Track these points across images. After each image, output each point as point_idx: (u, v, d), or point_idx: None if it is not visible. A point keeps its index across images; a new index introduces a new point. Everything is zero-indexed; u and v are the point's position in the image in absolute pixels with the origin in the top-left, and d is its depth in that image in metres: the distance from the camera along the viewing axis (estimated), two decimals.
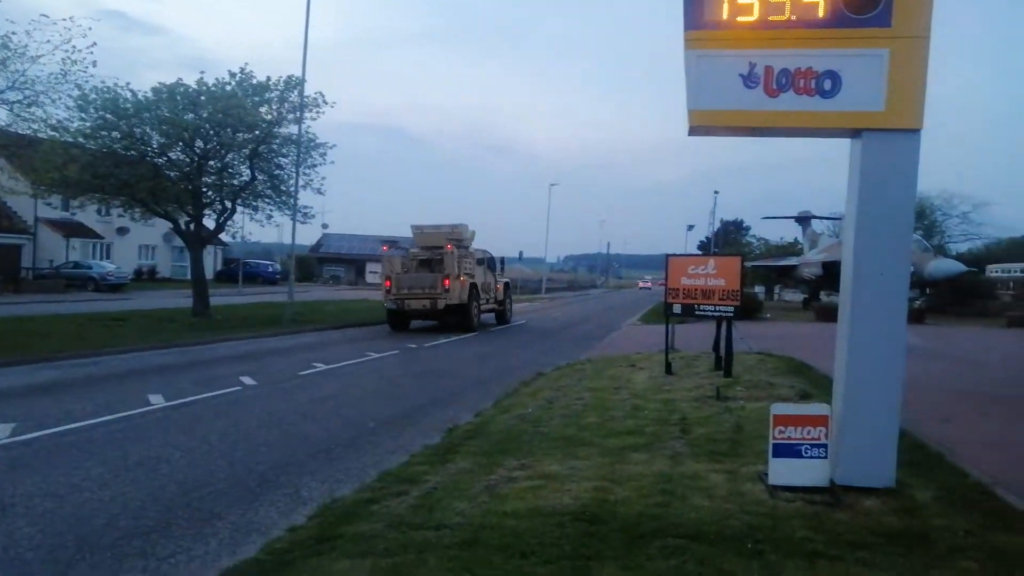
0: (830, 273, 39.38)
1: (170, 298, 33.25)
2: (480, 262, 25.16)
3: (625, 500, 5.58)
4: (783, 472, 5.89)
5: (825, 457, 5.88)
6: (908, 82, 5.66)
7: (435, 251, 23.48)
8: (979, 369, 15.38)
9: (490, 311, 26.32)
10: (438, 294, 22.39)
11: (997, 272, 51.38)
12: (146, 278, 50.47)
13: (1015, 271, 51.60)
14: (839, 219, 62.67)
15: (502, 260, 29.05)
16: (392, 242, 24.79)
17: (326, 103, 23.95)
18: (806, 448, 5.89)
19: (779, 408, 6.03)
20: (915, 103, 5.70)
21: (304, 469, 7.25)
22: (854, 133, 5.98)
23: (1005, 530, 4.98)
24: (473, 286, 23.71)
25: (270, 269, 61.29)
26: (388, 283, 23.02)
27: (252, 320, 24.12)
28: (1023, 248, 59.70)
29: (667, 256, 13.61)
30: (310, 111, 23.82)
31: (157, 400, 10.39)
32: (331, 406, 10.50)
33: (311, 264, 72.66)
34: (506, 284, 28.49)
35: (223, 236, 27.95)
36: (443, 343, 20.04)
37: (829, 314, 32.06)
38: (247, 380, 12.37)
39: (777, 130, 6.15)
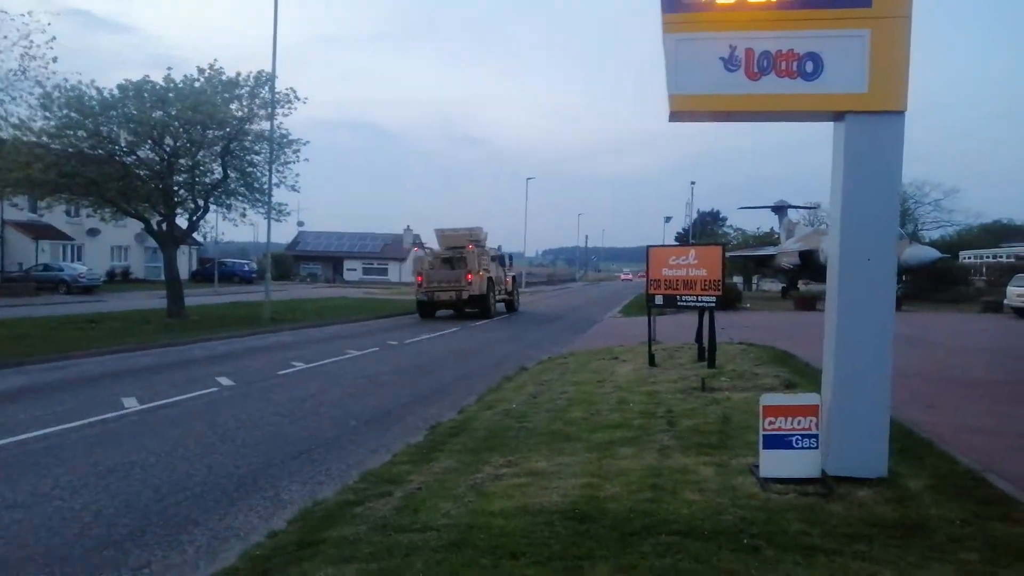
0: (807, 262, 39.70)
1: (144, 299, 32.70)
2: (494, 259, 29.16)
3: (615, 496, 5.45)
4: (774, 464, 5.80)
5: (816, 447, 5.79)
6: (891, 63, 5.57)
7: (457, 250, 27.58)
8: (958, 355, 15.48)
9: (501, 301, 30.10)
10: (462, 287, 26.36)
11: (969, 258, 52.05)
12: (119, 279, 49.61)
13: (987, 257, 52.31)
14: (815, 208, 63.25)
15: (510, 256, 33.48)
16: (421, 244, 29.61)
17: (298, 99, 23.59)
18: (797, 439, 5.81)
19: (769, 399, 5.94)
20: (899, 85, 5.61)
21: (284, 471, 7.06)
22: (837, 116, 5.89)
23: (1002, 519, 4.91)
24: (490, 279, 27.59)
25: (246, 268, 60.57)
26: (420, 279, 27.17)
27: (228, 320, 23.75)
28: (993, 234, 60.68)
29: (648, 247, 13.52)
30: (282, 107, 23.41)
31: (131, 403, 10.11)
32: (311, 405, 10.29)
33: (288, 262, 71.98)
34: (513, 278, 32.62)
35: (196, 235, 27.45)
36: (424, 339, 19.87)
37: (808, 303, 32.36)
38: (224, 381, 12.11)
39: (759, 114, 6.04)
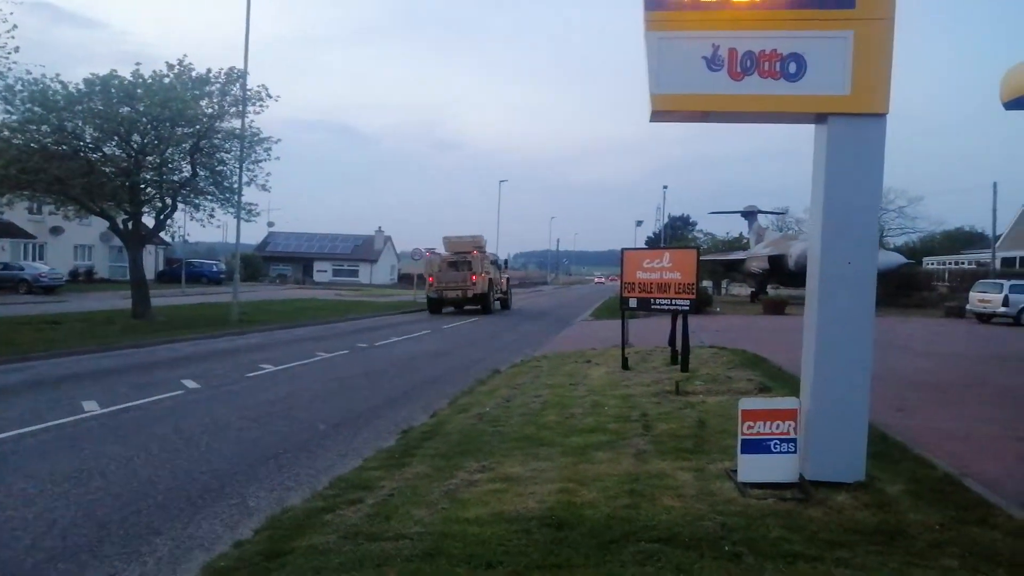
0: (776, 267, 40.11)
1: (109, 299, 31.93)
2: (493, 263, 33.85)
3: (592, 502, 5.32)
4: (752, 468, 5.71)
5: (795, 452, 5.71)
6: (873, 65, 5.54)
7: (462, 255, 31.62)
8: (923, 359, 15.64)
9: (498, 299, 34.29)
10: (467, 286, 30.94)
11: (932, 264, 52.96)
12: (83, 279, 48.42)
13: (949, 263, 53.28)
14: (783, 213, 63.96)
15: (506, 261, 40.19)
16: (431, 249, 34.46)
17: (270, 96, 23.19)
18: (775, 443, 5.72)
19: (748, 403, 5.85)
20: (881, 87, 5.58)
21: (251, 476, 6.82)
22: (819, 118, 5.84)
23: (980, 524, 4.87)
24: (490, 280, 32.05)
25: (214, 269, 59.51)
26: (431, 279, 31.53)
27: (196, 321, 23.24)
28: (955, 241, 61.87)
29: (623, 250, 13.46)
30: (253, 105, 23.00)
31: (91, 407, 9.76)
32: (280, 409, 10.02)
33: (257, 263, 70.88)
34: (507, 279, 37.54)
35: (164, 235, 26.85)
36: (394, 341, 19.63)
37: (777, 307, 32.64)
38: (190, 384, 11.77)
39: (742, 115, 5.97)
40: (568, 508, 5.18)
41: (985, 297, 28.91)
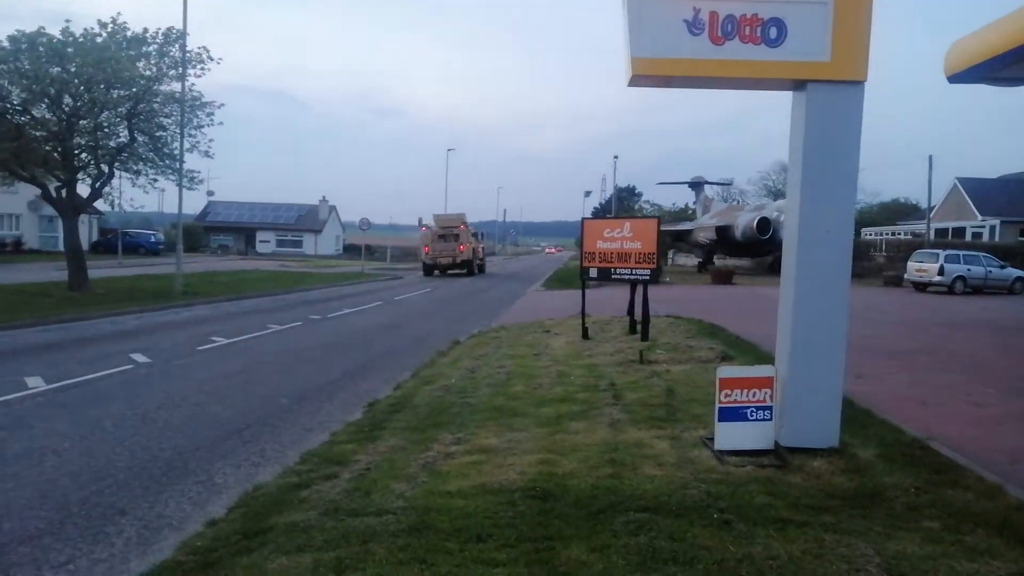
0: (723, 237, 40.77)
1: (41, 271, 30.58)
2: (474, 235, 42.82)
3: (574, 473, 5.29)
4: (729, 436, 5.77)
5: (770, 419, 5.79)
6: (853, 32, 5.54)
7: (450, 229, 39.96)
8: (871, 327, 16.09)
9: (477, 264, 42.33)
10: (456, 254, 39.37)
11: (871, 235, 54.59)
12: (10, 250, 46.27)
13: (886, 234, 54.98)
14: (729, 184, 65.07)
15: (483, 234, 54.91)
16: (425, 225, 41.80)
17: (211, 59, 22.29)
18: (752, 411, 5.79)
19: (725, 371, 5.89)
20: (860, 54, 5.59)
21: (215, 453, 6.60)
22: (798, 85, 5.82)
23: (954, 486, 5.00)
24: (473, 250, 40.80)
25: (152, 239, 57.59)
26: (427, 248, 39.92)
27: (138, 293, 22.44)
28: (892, 212, 63.86)
29: (583, 219, 13.43)
30: (194, 67, 22.11)
31: (36, 383, 9.31)
32: (237, 383, 9.74)
33: (197, 233, 68.94)
34: (483, 248, 47.57)
35: (100, 204, 25.74)
36: (347, 312, 19.32)
37: (724, 277, 33.24)
38: (139, 358, 11.34)
39: (721, 80, 5.90)
40: (550, 479, 5.14)
41: (922, 267, 29.93)
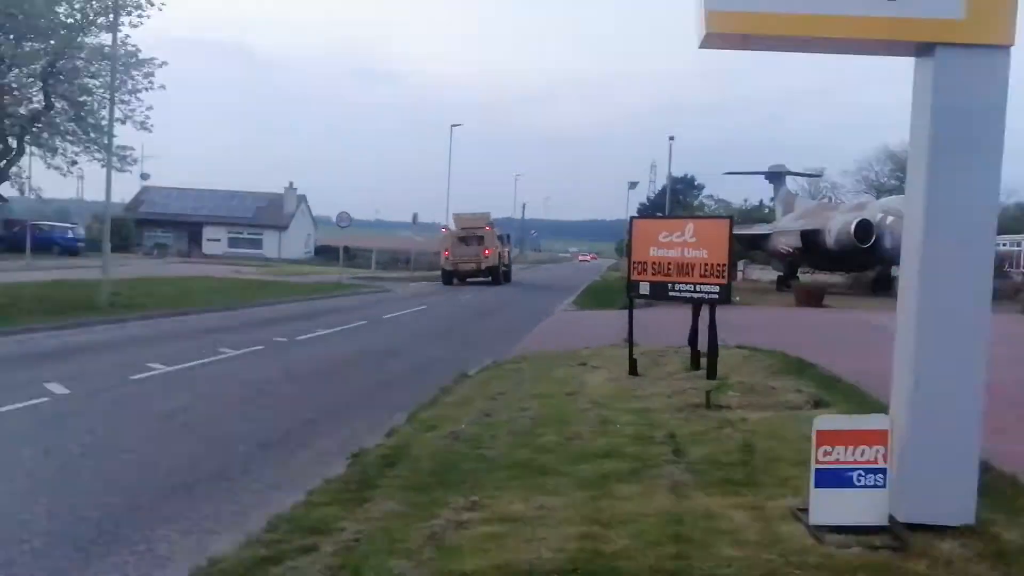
0: (811, 244, 40.69)
1: None
2: (499, 239, 46.46)
3: (626, 551, 5.29)
4: (830, 507, 5.73)
5: (884, 486, 5.75)
6: None
7: (473, 231, 44.08)
8: (1012, 366, 15.95)
9: (503, 272, 46.37)
10: (480, 260, 43.48)
11: (1005, 245, 54.15)
12: None
13: None
14: (819, 176, 64.99)
15: (509, 236, 57.85)
16: (445, 226, 46.66)
17: (151, 4, 22.62)
18: (859, 474, 5.75)
19: (824, 422, 5.88)
20: (1005, 10, 5.56)
21: (157, 514, 6.68)
22: (922, 49, 5.79)
23: None
24: (499, 255, 44.74)
25: (70, 235, 58.46)
26: (447, 252, 44.09)
27: (54, 304, 22.61)
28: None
29: (632, 218, 13.51)
30: (128, 13, 22.41)
31: None
32: (182, 423, 9.88)
33: (128, 228, 69.42)
34: (509, 252, 52.11)
35: (6, 187, 26.12)
36: (320, 335, 19.49)
37: (813, 297, 33.03)
38: (56, 388, 11.46)
39: (818, 41, 5.89)
40: (595, 559, 5.14)
41: None
